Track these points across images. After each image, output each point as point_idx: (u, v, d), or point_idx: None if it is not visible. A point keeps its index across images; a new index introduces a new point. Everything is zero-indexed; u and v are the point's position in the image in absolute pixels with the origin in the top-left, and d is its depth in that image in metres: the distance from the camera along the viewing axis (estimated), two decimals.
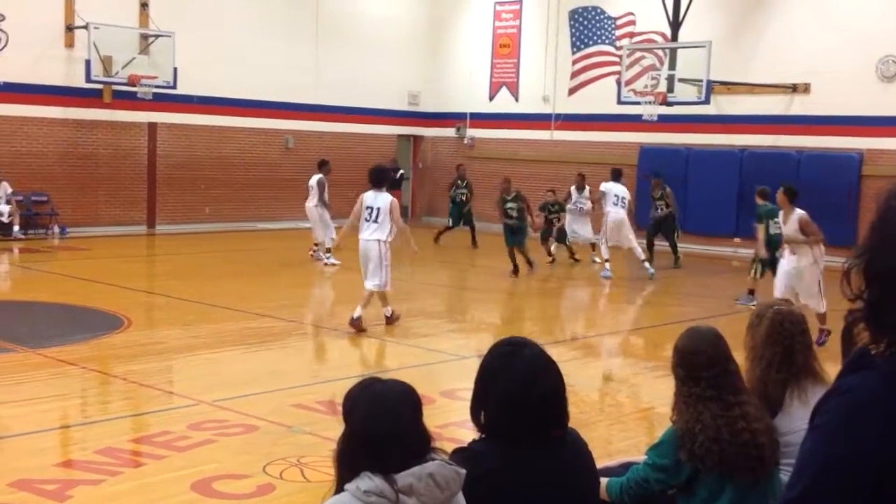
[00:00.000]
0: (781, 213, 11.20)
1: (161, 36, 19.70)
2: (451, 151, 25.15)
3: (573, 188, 17.96)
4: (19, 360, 8.97)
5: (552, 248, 17.72)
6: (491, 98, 24.75)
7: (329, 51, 23.25)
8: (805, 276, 10.61)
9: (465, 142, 25.04)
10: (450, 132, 25.36)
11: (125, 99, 19.82)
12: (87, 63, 18.75)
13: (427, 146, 26.05)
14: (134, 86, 19.39)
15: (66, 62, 19.16)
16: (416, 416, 2.66)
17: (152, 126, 20.73)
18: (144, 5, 20.15)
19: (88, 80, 18.91)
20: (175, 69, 19.60)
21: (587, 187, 17.81)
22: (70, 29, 19.12)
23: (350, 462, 2.61)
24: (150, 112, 20.40)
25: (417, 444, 2.63)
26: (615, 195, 16.29)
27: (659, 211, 17.30)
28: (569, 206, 17.61)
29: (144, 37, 19.88)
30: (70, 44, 19.18)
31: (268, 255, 15.62)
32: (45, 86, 18.91)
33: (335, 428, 6.79)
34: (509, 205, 15.94)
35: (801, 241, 10.65)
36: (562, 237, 17.69)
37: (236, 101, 21.57)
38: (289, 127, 22.85)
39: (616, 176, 16.71)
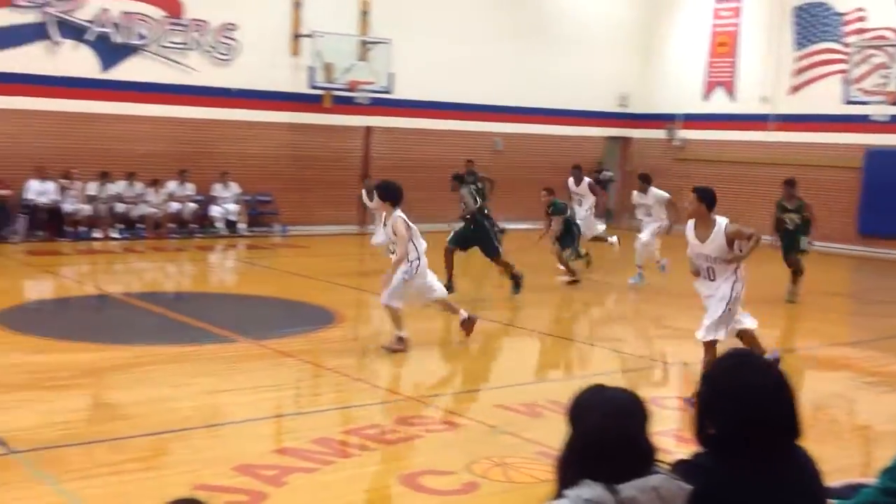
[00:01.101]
0: None
1: (379, 42, 20.44)
2: (660, 154, 24.63)
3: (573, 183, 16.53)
4: (242, 351, 9.54)
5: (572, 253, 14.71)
6: (705, 98, 24.06)
7: (538, 52, 23.32)
8: None
9: (676, 143, 24.46)
10: (659, 134, 24.84)
11: (343, 104, 20.69)
12: (311, 70, 19.75)
13: (635, 148, 25.62)
14: (353, 91, 20.23)
15: (291, 69, 20.21)
16: (644, 426, 2.59)
17: (368, 130, 21.53)
18: (365, 13, 20.96)
19: (311, 86, 19.90)
20: (391, 74, 20.27)
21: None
22: (297, 37, 20.16)
23: (574, 468, 2.55)
24: (367, 116, 21.19)
25: (643, 455, 2.56)
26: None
27: (787, 225, 13.69)
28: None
29: (364, 43, 20.69)
30: (296, 52, 20.21)
31: (471, 256, 15.82)
32: (271, 92, 20.01)
33: (535, 430, 6.88)
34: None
35: None
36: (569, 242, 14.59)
37: (446, 104, 22.02)
38: (497, 129, 23.10)
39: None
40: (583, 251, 15.07)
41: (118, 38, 18.43)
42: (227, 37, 19.65)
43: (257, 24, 19.69)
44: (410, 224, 9.54)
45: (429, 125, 22.04)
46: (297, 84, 20.14)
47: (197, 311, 11.85)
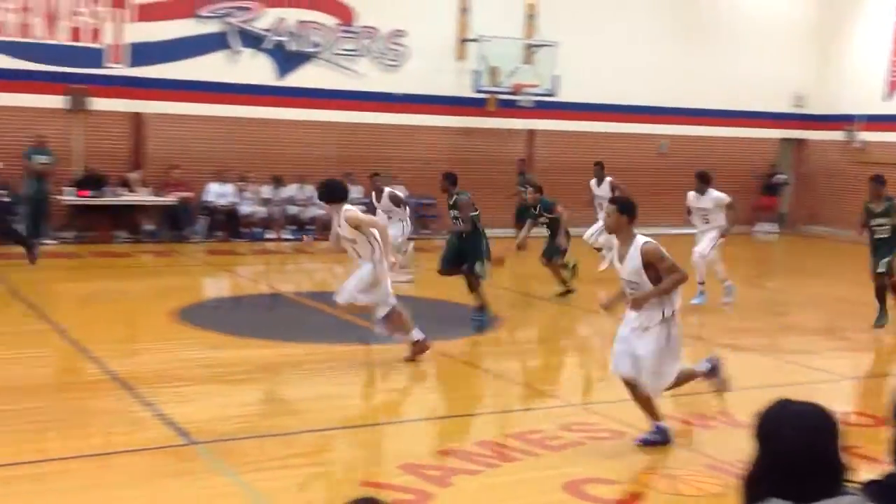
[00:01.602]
0: None
1: (545, 45, 20.40)
2: (838, 156, 23.50)
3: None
4: (405, 351, 9.70)
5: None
6: (887, 98, 22.80)
7: (707, 52, 22.69)
8: None
9: (855, 145, 23.29)
10: (837, 135, 23.70)
11: (507, 107, 20.76)
12: (476, 73, 19.93)
13: (811, 150, 24.55)
14: (517, 94, 20.27)
15: (455, 73, 20.43)
16: (835, 441, 2.48)
17: (531, 133, 21.51)
18: (531, 16, 20.98)
19: (476, 89, 20.08)
20: (556, 77, 20.19)
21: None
22: (463, 42, 20.38)
23: (761, 486, 2.47)
24: (530, 119, 21.17)
25: (834, 473, 2.45)
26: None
27: (875, 233, 11.44)
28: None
29: (529, 46, 20.69)
30: (461, 56, 20.43)
31: None
32: (435, 96, 20.31)
33: (705, 441, 6.67)
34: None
35: None
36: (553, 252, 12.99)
37: (611, 106, 21.74)
38: (662, 132, 22.63)
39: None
40: (570, 262, 13.10)
41: (293, 46, 19.13)
42: (395, 43, 20.08)
43: (425, 29, 20.01)
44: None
45: (592, 128, 21.81)
46: (461, 88, 20.35)
47: (363, 311, 12.12)
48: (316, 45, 19.37)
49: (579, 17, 21.00)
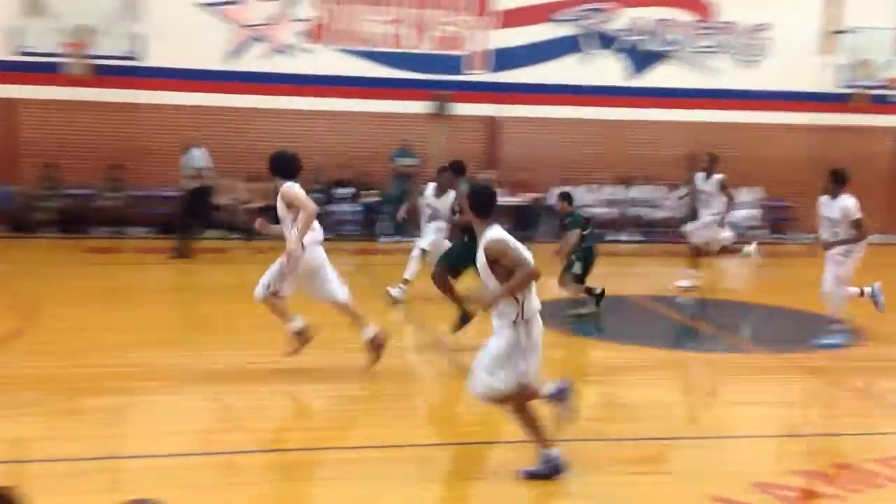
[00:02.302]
0: None
1: None
2: None
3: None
4: (754, 361, 9.24)
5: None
6: None
7: None
8: None
9: None
10: None
11: (877, 103, 19.14)
12: (842, 68, 18.60)
13: None
14: (891, 89, 18.64)
15: (817, 68, 19.20)
16: None
17: None
18: None
19: (847, 84, 18.78)
20: None
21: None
22: (831, 34, 19.09)
23: None
24: None
25: None
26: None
27: None
28: None
29: None
30: (827, 49, 19.16)
31: None
32: (794, 92, 19.20)
33: None
34: None
35: None
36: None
37: None
38: None
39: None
40: (597, 289, 11.34)
41: (648, 46, 18.97)
42: (756, 38, 19.25)
43: (787, 23, 18.99)
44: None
45: None
46: (822, 83, 19.08)
47: (710, 317, 11.74)
48: (671, 43, 19.06)
49: None
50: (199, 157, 14.83)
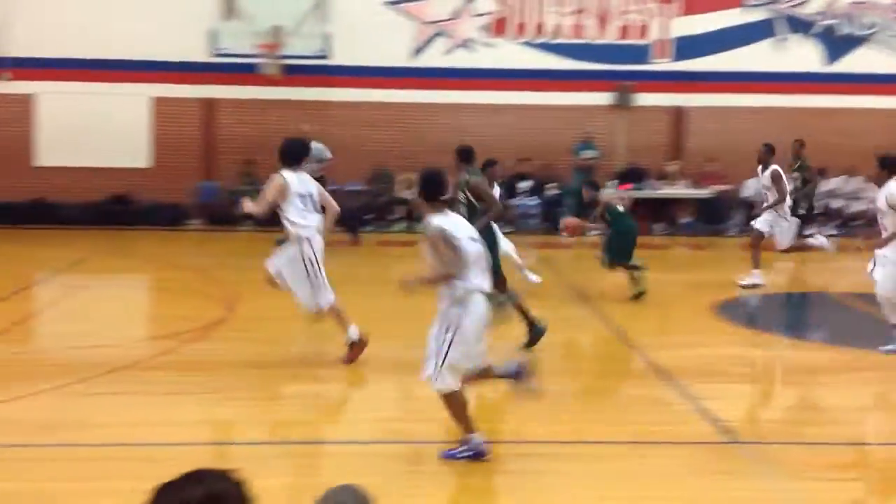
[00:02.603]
0: None
1: None
2: None
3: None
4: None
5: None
6: None
7: None
8: None
9: None
10: None
11: None
12: None
13: None
14: None
15: None
16: None
17: None
18: None
19: None
20: None
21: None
22: None
23: None
24: None
25: None
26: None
27: None
28: None
29: None
30: None
31: None
32: None
33: None
34: None
35: None
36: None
37: None
38: None
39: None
40: (641, 263, 11.22)
41: (845, 30, 17.97)
42: None
43: None
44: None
45: None
46: None
47: None
48: (870, 27, 17.97)
49: None
50: (320, 150, 15.32)
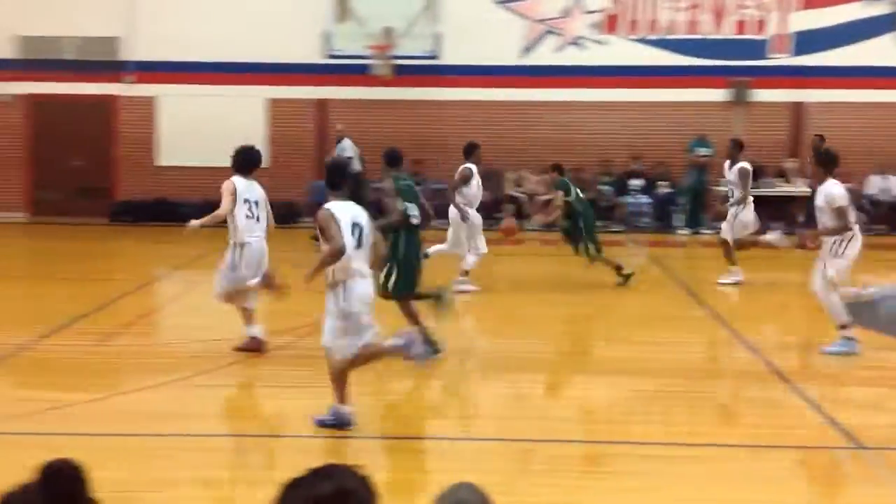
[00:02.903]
0: None
1: None
2: None
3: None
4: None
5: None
6: None
7: None
8: None
9: None
10: None
11: None
12: None
13: None
14: None
15: None
16: None
17: None
18: None
19: None
20: None
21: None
22: None
23: None
24: None
25: None
26: None
27: None
28: None
29: None
30: None
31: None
32: None
33: None
34: None
35: None
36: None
37: None
38: None
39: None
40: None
41: None
42: None
43: None
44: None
45: None
46: None
47: None
48: None
49: None
50: (349, 147, 15.97)
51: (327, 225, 6.02)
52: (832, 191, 8.39)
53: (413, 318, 7.98)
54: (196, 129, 17.53)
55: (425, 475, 5.73)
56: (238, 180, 8.29)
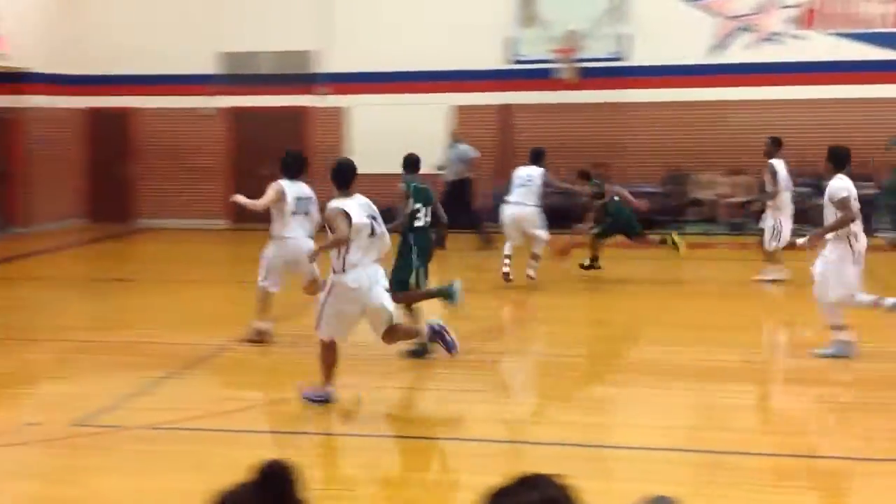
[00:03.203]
0: None
1: None
2: None
3: None
4: None
5: None
6: None
7: None
8: None
9: None
10: None
11: None
12: None
13: None
14: None
15: None
16: None
17: None
18: None
19: None
20: None
21: None
22: None
23: None
24: None
25: None
26: None
27: None
28: None
29: None
30: None
31: None
32: None
33: None
34: None
35: None
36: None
37: None
38: None
39: None
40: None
41: None
42: None
43: None
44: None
45: None
46: None
47: None
48: None
49: None
50: (466, 150, 15.98)
51: (335, 220, 6.53)
52: (834, 183, 8.34)
53: (413, 316, 8.31)
54: (383, 137, 18.02)
55: (610, 484, 5.62)
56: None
